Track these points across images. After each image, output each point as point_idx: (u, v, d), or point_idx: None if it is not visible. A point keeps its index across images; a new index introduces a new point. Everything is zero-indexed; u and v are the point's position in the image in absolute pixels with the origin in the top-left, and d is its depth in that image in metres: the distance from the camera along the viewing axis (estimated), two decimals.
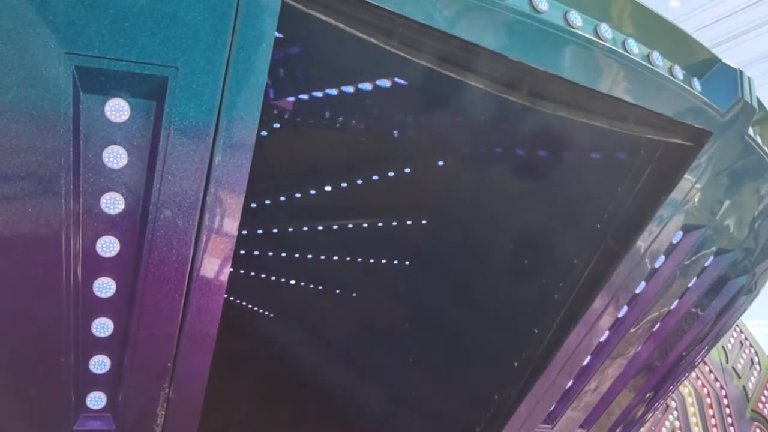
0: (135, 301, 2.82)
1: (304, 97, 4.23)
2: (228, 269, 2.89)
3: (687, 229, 4.23)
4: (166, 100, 2.50)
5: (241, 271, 6.09)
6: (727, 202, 4.31)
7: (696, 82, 3.62)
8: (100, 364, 2.94)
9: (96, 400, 3.02)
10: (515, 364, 4.43)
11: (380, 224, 5.81)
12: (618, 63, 3.21)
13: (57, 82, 2.33)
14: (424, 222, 5.73)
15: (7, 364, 2.78)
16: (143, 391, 3.04)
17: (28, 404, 2.92)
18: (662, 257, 4.28)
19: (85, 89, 2.44)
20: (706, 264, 4.68)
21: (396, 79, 3.78)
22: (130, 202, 2.69)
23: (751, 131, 3.98)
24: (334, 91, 4.11)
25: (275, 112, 4.32)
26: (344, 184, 5.35)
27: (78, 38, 2.31)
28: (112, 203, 2.65)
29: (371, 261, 5.84)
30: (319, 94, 4.21)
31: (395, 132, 4.50)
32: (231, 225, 2.81)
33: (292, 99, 4.30)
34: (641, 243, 4.01)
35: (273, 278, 6.04)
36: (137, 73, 2.43)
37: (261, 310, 6.02)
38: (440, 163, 4.75)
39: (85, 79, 2.40)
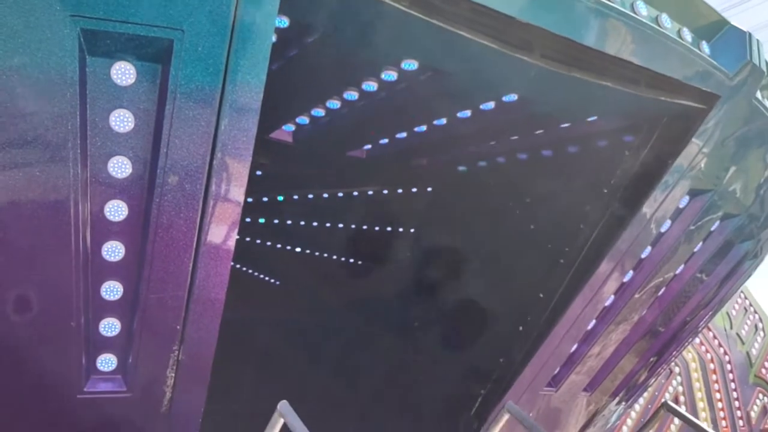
0: (144, 265, 2.84)
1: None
2: (235, 233, 2.90)
3: (693, 194, 4.23)
4: (172, 63, 2.49)
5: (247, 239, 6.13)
6: (733, 167, 4.30)
7: (704, 45, 3.58)
8: (110, 326, 2.97)
9: (107, 362, 3.06)
10: (521, 329, 4.47)
11: (385, 192, 5.82)
12: (626, 25, 3.18)
13: (63, 45, 2.33)
14: (429, 189, 5.75)
15: (18, 327, 2.82)
16: (153, 353, 3.08)
17: (40, 367, 2.95)
18: (668, 222, 4.28)
19: (91, 52, 2.44)
20: (711, 229, 4.68)
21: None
22: (137, 166, 2.70)
23: (759, 95, 3.95)
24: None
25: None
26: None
27: (83, 0, 2.30)
28: (120, 167, 2.66)
29: (377, 228, 5.87)
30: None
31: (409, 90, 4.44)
32: (238, 189, 2.81)
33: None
34: (647, 208, 4.01)
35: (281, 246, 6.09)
36: (143, 35, 2.42)
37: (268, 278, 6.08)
38: (441, 122, 4.74)
39: (90, 42, 2.40)
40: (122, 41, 2.43)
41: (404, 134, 4.96)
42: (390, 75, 3.81)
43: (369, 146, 5.55)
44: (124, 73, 2.51)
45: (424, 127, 4.71)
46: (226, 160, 2.73)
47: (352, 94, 4.29)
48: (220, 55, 2.51)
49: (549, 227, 4.44)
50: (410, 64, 3.62)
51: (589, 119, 3.91)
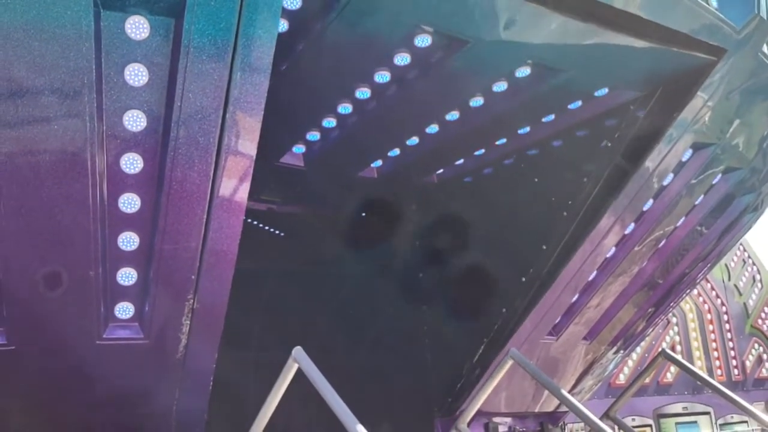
0: (159, 217, 2.91)
1: None
2: (248, 186, 2.96)
3: (697, 147, 4.27)
4: (185, 18, 2.51)
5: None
6: (737, 121, 4.33)
7: None
8: (127, 276, 3.06)
9: (124, 310, 3.16)
10: (523, 279, 4.56)
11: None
12: None
13: (78, 0, 2.35)
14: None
15: (39, 277, 2.90)
16: (169, 302, 3.17)
17: (60, 315, 3.05)
18: (671, 175, 4.33)
19: (105, 6, 2.46)
20: (713, 182, 4.73)
21: None
22: (151, 119, 2.74)
23: (765, 49, 3.95)
24: None
25: None
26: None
27: None
28: (135, 121, 2.71)
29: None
30: None
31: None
32: (250, 143, 2.86)
33: None
34: (650, 162, 4.06)
35: None
36: None
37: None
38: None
39: None
40: None
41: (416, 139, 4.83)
42: (404, 57, 3.56)
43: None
44: (138, 27, 2.54)
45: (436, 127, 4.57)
46: (238, 114, 2.77)
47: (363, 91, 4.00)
48: (232, 10, 2.53)
49: (552, 180, 4.48)
50: (424, 39, 3.38)
51: (594, 74, 3.90)
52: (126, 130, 2.73)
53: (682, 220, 4.90)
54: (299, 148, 4.84)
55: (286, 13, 3.11)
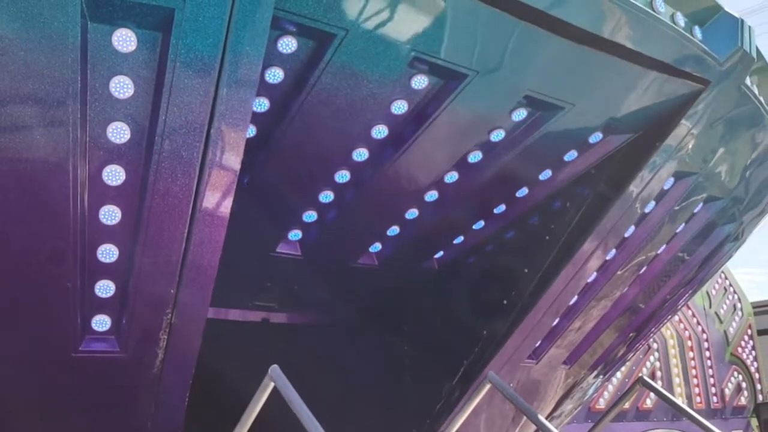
0: (140, 230, 2.90)
1: None
2: (231, 202, 2.96)
3: (679, 176, 4.31)
4: (173, 33, 2.52)
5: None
6: (720, 151, 4.38)
7: (697, 30, 3.63)
8: (105, 288, 3.04)
9: (101, 322, 3.13)
10: (504, 302, 4.57)
11: None
12: (621, 8, 3.22)
13: (65, 11, 2.35)
14: None
15: (16, 287, 2.88)
16: (146, 315, 3.15)
17: (35, 326, 3.02)
18: (653, 203, 4.37)
19: (93, 18, 2.46)
20: (695, 210, 4.78)
21: None
22: (135, 132, 2.74)
23: (748, 81, 4.02)
24: None
25: None
26: None
27: None
28: (119, 133, 2.70)
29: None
30: None
31: None
32: (234, 158, 2.86)
33: None
34: (633, 188, 4.09)
35: None
36: (144, 3, 2.45)
37: None
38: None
39: (92, 8, 2.42)
40: (124, 9, 2.46)
41: None
42: (401, 105, 3.31)
43: None
44: (125, 40, 2.54)
45: None
46: (223, 129, 2.77)
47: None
48: (220, 26, 2.54)
49: (535, 204, 4.51)
50: (421, 80, 3.21)
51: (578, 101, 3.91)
52: (109, 141, 2.72)
53: (663, 247, 4.95)
54: (296, 234, 4.28)
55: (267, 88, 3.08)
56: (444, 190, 4.07)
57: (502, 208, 4.49)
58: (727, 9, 3.80)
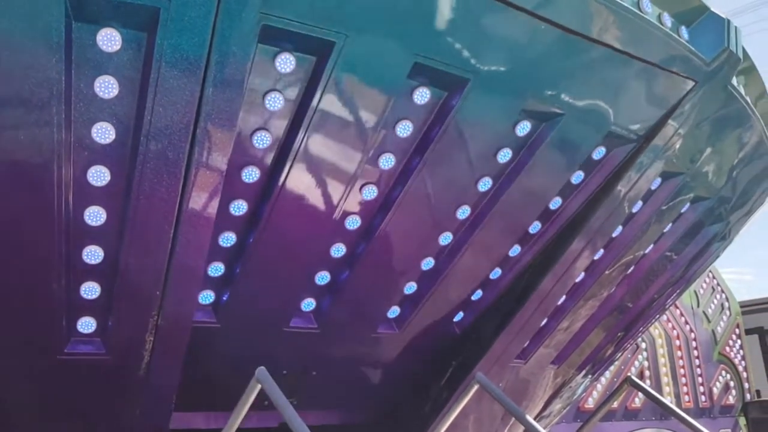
0: (125, 231, 2.88)
1: None
2: (217, 202, 2.94)
3: (666, 176, 4.32)
4: (158, 32, 2.50)
5: None
6: (706, 151, 4.40)
7: (684, 31, 3.65)
8: (90, 290, 3.01)
9: (86, 324, 3.11)
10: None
11: None
12: (608, 9, 3.22)
13: (49, 11, 2.33)
14: None
15: (1, 288, 2.85)
16: (132, 317, 3.13)
17: (20, 328, 3.00)
18: (640, 203, 4.38)
19: (77, 18, 2.44)
20: (682, 210, 4.79)
21: None
22: (120, 132, 2.72)
23: (734, 81, 4.03)
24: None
25: None
26: None
27: None
28: (103, 133, 2.68)
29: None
30: None
31: None
32: (221, 158, 2.84)
33: None
34: (621, 188, 4.10)
35: None
36: (129, 3, 2.43)
37: None
38: None
39: (77, 7, 2.40)
40: (109, 8, 2.44)
41: None
42: (406, 126, 3.20)
43: None
44: (109, 39, 2.52)
45: None
46: (209, 130, 2.75)
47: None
48: (206, 26, 2.52)
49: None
50: (423, 93, 3.13)
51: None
52: (94, 142, 2.70)
53: (650, 246, 4.96)
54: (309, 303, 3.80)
55: None
56: (457, 228, 3.83)
57: (518, 249, 4.23)
58: (714, 9, 3.81)
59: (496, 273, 4.30)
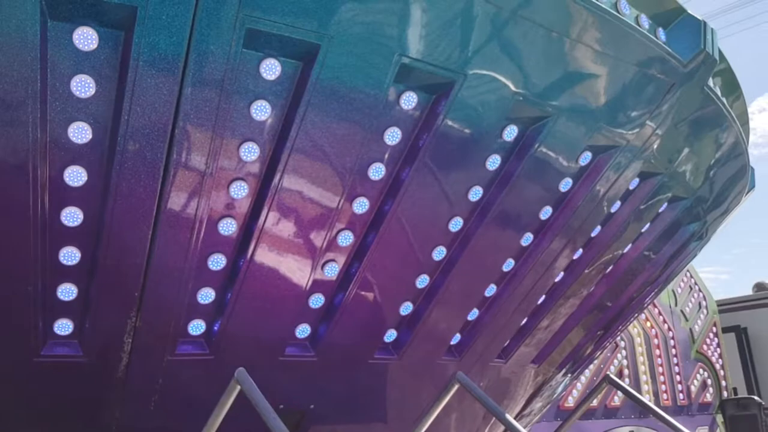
0: (103, 231, 2.85)
1: None
2: (196, 202, 2.92)
3: (644, 176, 4.36)
4: (135, 31, 2.48)
5: None
6: (684, 151, 4.44)
7: (661, 32, 3.68)
8: (67, 291, 2.98)
9: (63, 326, 3.07)
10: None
11: None
12: (587, 10, 3.25)
13: (24, 8, 2.30)
14: None
15: None
16: (110, 319, 3.10)
17: None
18: (618, 203, 4.42)
19: (52, 16, 2.41)
20: (660, 210, 4.84)
21: None
22: (97, 132, 2.69)
23: (711, 82, 4.08)
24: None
25: None
26: None
27: None
28: (80, 133, 2.65)
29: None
30: None
31: None
32: (199, 158, 2.82)
33: None
34: (599, 188, 4.12)
35: None
36: (106, 1, 2.41)
37: None
38: None
39: (52, 5, 2.38)
40: (85, 6, 2.42)
41: None
42: (393, 134, 3.15)
43: None
44: (86, 38, 2.50)
45: None
46: (188, 129, 2.73)
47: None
48: (184, 24, 2.50)
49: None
50: (410, 98, 3.11)
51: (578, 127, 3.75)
52: (71, 141, 2.67)
53: (629, 246, 5.00)
54: (304, 330, 3.68)
55: None
56: (451, 241, 3.76)
57: (511, 263, 4.19)
58: (691, 11, 3.85)
59: (491, 290, 4.26)
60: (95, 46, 2.53)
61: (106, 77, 2.60)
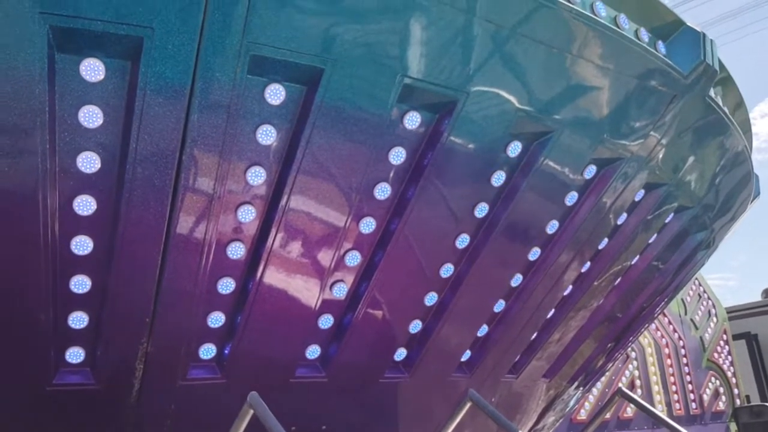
0: (113, 259, 2.87)
1: None
2: (205, 227, 2.94)
3: (649, 187, 4.37)
4: (142, 61, 2.51)
5: None
6: (688, 161, 4.45)
7: (660, 45, 3.70)
8: (78, 319, 2.99)
9: (75, 354, 3.08)
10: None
11: None
12: (586, 26, 3.27)
13: (32, 42, 2.34)
14: None
15: None
16: (121, 345, 3.11)
17: (8, 359, 2.96)
18: (625, 214, 4.42)
19: (60, 49, 2.45)
20: (666, 220, 4.84)
21: None
22: (106, 161, 2.71)
23: (712, 92, 4.10)
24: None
25: None
26: None
27: None
28: (89, 162, 2.68)
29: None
30: None
31: None
32: (207, 184, 2.85)
33: None
34: (606, 200, 4.13)
35: None
36: (112, 33, 2.44)
37: None
38: None
39: (59, 38, 2.41)
40: (91, 38, 2.45)
41: None
42: (398, 153, 3.19)
43: None
44: (93, 69, 2.53)
45: None
46: (195, 156, 2.76)
47: None
48: (190, 53, 2.54)
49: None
50: (413, 117, 3.16)
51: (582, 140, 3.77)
52: (79, 171, 2.69)
53: (637, 257, 5.00)
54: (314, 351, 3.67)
55: None
56: (459, 258, 3.77)
57: (519, 278, 4.21)
58: (689, 22, 3.88)
59: (500, 305, 4.27)
60: (102, 77, 2.56)
61: (114, 107, 2.63)
